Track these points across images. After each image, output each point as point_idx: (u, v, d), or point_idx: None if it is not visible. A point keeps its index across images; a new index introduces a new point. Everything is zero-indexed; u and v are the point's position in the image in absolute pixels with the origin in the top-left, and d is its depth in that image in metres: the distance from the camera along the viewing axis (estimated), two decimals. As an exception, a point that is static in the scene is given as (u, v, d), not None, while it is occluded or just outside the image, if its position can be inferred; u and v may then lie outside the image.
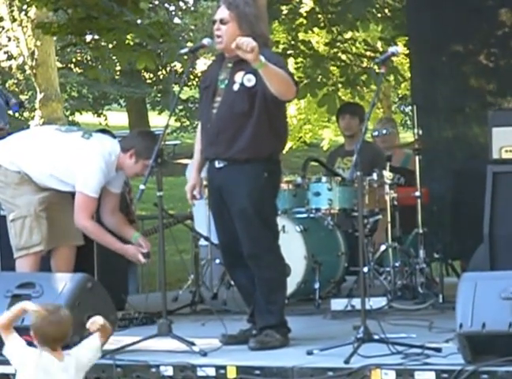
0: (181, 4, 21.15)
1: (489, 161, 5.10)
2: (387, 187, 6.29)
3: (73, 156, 5.31)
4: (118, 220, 5.49)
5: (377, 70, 4.66)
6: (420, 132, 6.35)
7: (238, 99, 4.73)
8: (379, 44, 11.46)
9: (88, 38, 9.89)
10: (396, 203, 6.30)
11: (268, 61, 4.60)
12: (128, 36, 9.16)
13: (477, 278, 4.18)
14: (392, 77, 10.66)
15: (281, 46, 10.36)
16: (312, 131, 23.08)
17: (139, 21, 9.24)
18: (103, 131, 7.33)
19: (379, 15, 10.07)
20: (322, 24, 10.26)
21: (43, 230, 5.34)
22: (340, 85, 10.57)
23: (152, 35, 8.88)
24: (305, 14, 10.35)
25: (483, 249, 5.07)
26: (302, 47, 10.46)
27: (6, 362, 3.87)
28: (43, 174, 5.36)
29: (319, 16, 10.07)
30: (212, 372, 4.32)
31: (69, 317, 3.76)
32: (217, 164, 4.84)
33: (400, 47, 5.38)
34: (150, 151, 4.88)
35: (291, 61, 10.51)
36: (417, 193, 6.28)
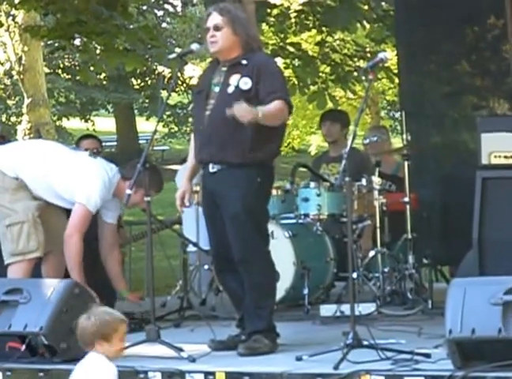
0: (168, 7, 21.16)
1: (478, 167, 5.09)
2: (376, 193, 6.29)
3: (78, 171, 5.36)
4: (114, 263, 5.56)
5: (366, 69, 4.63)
6: (409, 137, 6.36)
7: (232, 102, 4.72)
8: (369, 44, 11.47)
9: (77, 41, 9.87)
10: (385, 208, 6.30)
11: (262, 71, 4.66)
12: (117, 41, 9.15)
13: (466, 283, 4.18)
14: (384, 78, 10.66)
15: (270, 48, 10.34)
16: (300, 137, 23.11)
17: (128, 26, 9.22)
18: (89, 136, 7.30)
19: (365, 21, 10.05)
20: (311, 25, 10.26)
21: (39, 237, 5.34)
22: (330, 83, 10.56)
23: (141, 38, 8.88)
24: (294, 15, 10.33)
25: (472, 255, 5.06)
26: (291, 49, 10.45)
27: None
28: (42, 185, 5.38)
29: (308, 17, 10.06)
30: (200, 378, 4.30)
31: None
32: (211, 169, 4.83)
33: (388, 53, 5.36)
34: (151, 182, 4.86)
35: (280, 61, 10.52)
36: (406, 199, 6.28)
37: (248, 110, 4.56)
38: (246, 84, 4.71)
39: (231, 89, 4.75)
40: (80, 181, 5.31)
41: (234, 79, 4.75)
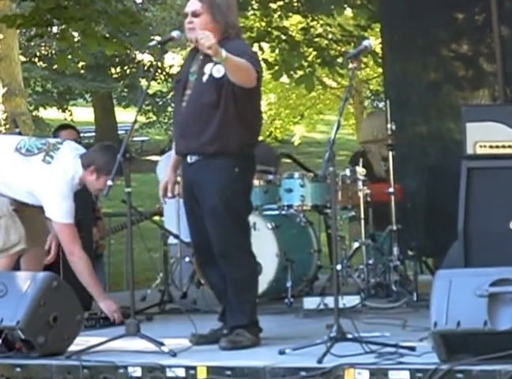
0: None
1: (463, 156, 5.05)
2: (360, 183, 6.22)
3: (36, 185, 5.24)
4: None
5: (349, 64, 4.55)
6: (394, 127, 6.30)
7: (206, 91, 4.65)
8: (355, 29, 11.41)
9: (55, 29, 9.75)
10: (369, 199, 6.24)
11: (236, 51, 4.49)
12: (97, 28, 9.05)
13: (452, 275, 4.13)
14: (368, 68, 10.63)
15: (256, 32, 10.27)
16: (283, 127, 23.04)
17: (109, 10, 9.08)
18: (67, 126, 7.20)
19: (350, 6, 9.99)
20: (297, 9, 10.19)
21: (19, 229, 5.28)
22: (317, 66, 10.51)
23: (122, 22, 8.77)
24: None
25: (457, 246, 5.03)
26: (276, 33, 10.38)
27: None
28: (5, 195, 5.31)
29: (293, 1, 10.00)
30: (181, 372, 4.23)
31: None
32: (189, 160, 4.75)
33: (372, 41, 5.29)
34: (111, 167, 4.78)
35: (266, 45, 10.44)
36: (391, 190, 6.22)
37: (211, 38, 4.40)
38: (219, 71, 4.60)
39: (205, 78, 4.66)
40: (42, 198, 5.23)
41: (208, 67, 4.66)
